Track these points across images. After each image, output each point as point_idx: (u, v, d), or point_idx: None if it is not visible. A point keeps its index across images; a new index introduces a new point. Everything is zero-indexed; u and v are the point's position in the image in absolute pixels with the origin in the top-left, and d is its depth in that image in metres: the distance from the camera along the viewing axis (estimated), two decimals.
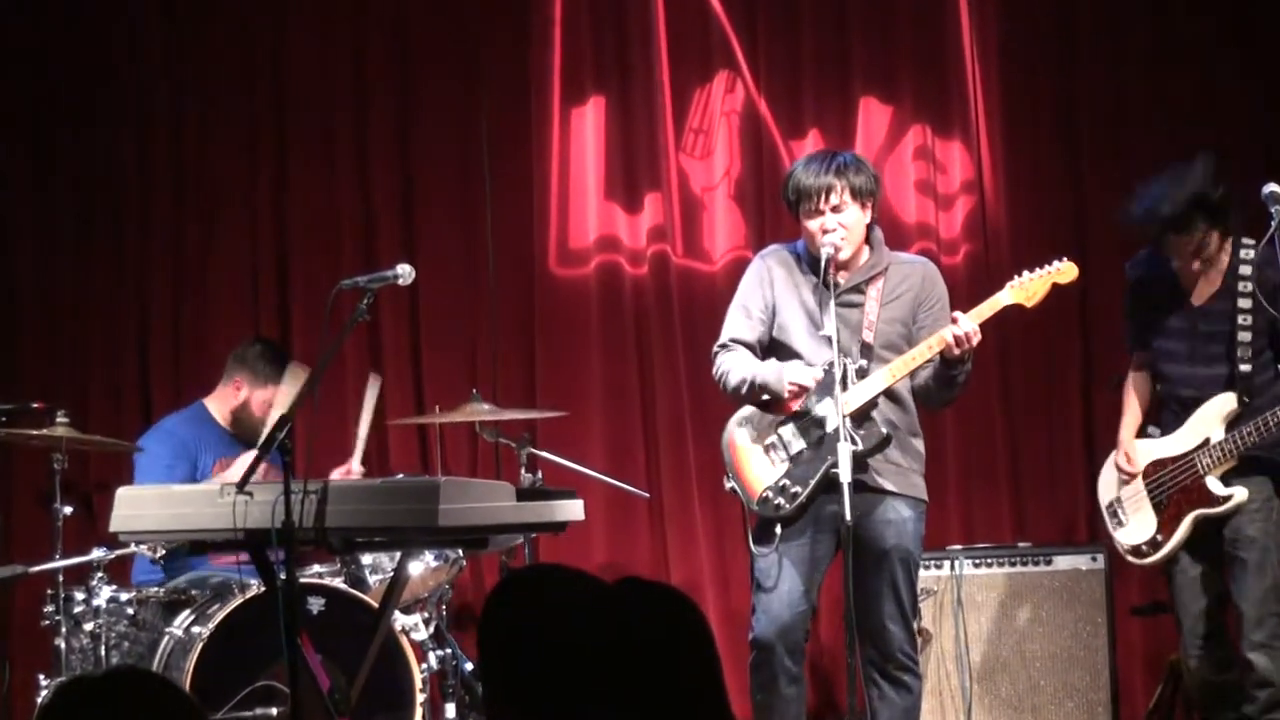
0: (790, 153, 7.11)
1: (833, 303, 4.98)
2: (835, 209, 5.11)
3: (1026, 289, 5.13)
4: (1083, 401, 7.04)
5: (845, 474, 4.81)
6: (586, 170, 7.28)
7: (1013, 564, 6.46)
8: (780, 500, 5.09)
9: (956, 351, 4.98)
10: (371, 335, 7.22)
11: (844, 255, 5.12)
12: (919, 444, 5.25)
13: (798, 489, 5.07)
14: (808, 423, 5.09)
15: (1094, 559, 6.41)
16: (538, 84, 7.29)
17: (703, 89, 7.27)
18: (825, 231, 5.10)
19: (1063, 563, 6.44)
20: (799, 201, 5.17)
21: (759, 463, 5.15)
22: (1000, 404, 7.07)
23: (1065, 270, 5.17)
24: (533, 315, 7.27)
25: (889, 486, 5.11)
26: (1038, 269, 5.17)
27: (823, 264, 5.03)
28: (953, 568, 6.44)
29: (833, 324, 4.94)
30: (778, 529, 5.09)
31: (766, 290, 5.25)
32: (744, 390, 5.19)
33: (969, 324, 4.99)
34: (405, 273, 4.80)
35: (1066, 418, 7.06)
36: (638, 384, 7.23)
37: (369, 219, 7.33)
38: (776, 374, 5.14)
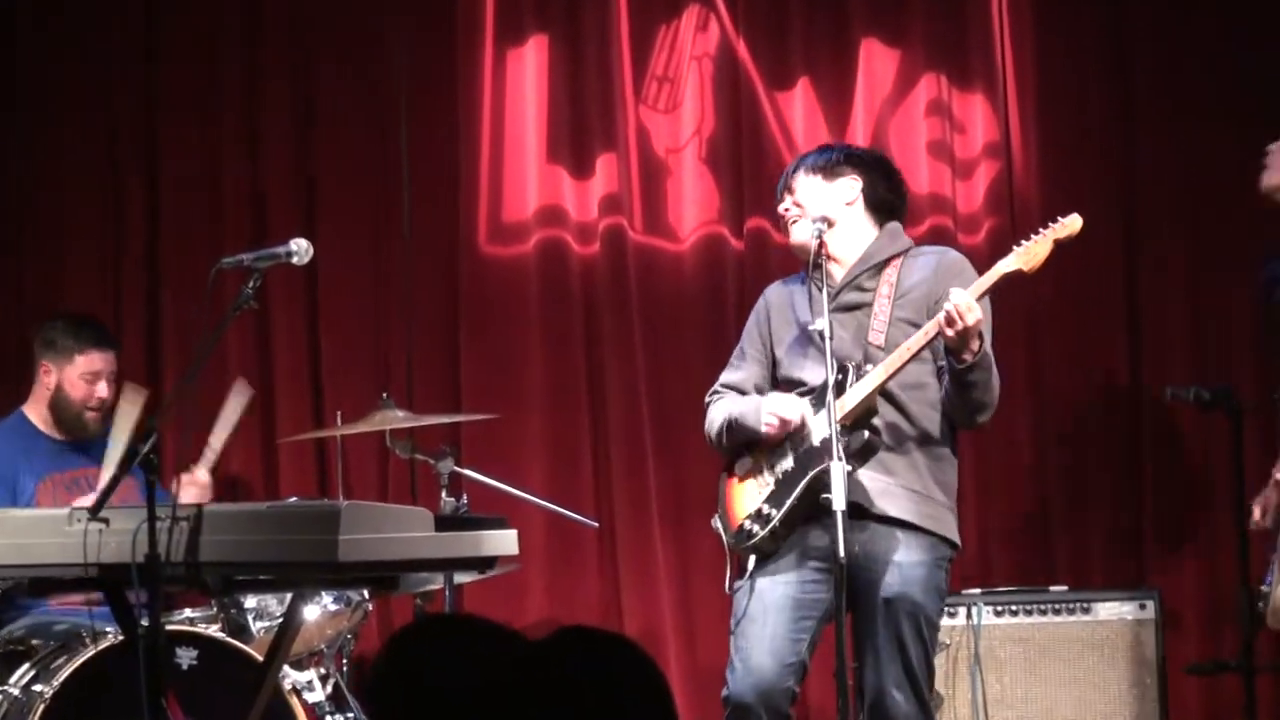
0: (774, 105, 7.12)
1: (825, 291, 4.95)
2: (790, 190, 5.25)
3: (1029, 253, 5.09)
4: (1131, 412, 7.07)
5: (839, 499, 4.74)
6: (525, 126, 7.27)
7: (1043, 612, 6.47)
8: (754, 527, 5.06)
9: (950, 332, 4.89)
10: (259, 326, 7.20)
11: (800, 235, 5.16)
12: (943, 458, 5.13)
13: (772, 511, 5.04)
14: (799, 438, 5.07)
15: (1143, 606, 6.43)
16: (465, 19, 7.28)
17: (668, 27, 7.28)
18: (786, 223, 5.27)
19: (1105, 611, 6.47)
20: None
21: (747, 492, 5.15)
22: (1027, 412, 7.09)
23: (1068, 224, 5.09)
24: (457, 303, 7.26)
25: (894, 514, 5.03)
26: (1042, 229, 5.13)
27: (810, 254, 5.08)
28: (969, 616, 6.46)
29: (825, 317, 4.90)
30: (751, 560, 5.07)
31: (763, 327, 5.31)
32: (725, 436, 5.22)
33: (961, 296, 4.88)
34: (301, 250, 4.77)
35: (1110, 431, 7.09)
36: (585, 388, 7.22)
37: (257, 185, 7.31)
38: (754, 406, 5.14)
